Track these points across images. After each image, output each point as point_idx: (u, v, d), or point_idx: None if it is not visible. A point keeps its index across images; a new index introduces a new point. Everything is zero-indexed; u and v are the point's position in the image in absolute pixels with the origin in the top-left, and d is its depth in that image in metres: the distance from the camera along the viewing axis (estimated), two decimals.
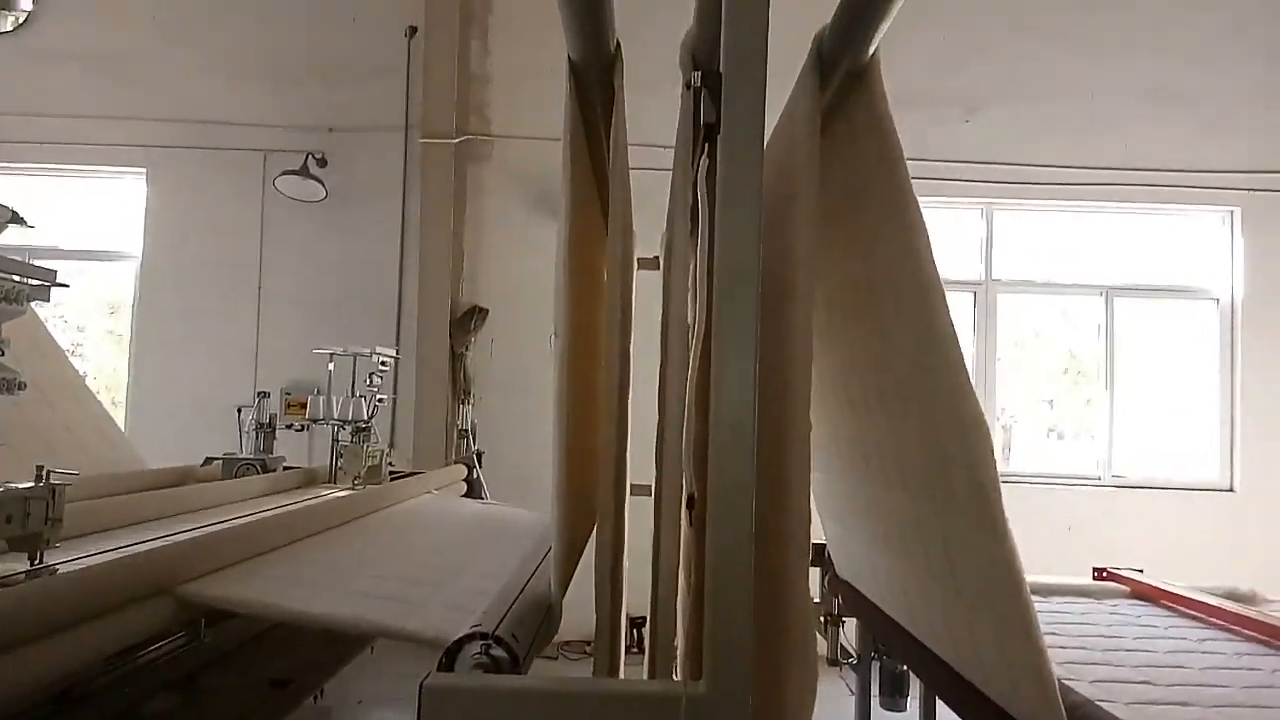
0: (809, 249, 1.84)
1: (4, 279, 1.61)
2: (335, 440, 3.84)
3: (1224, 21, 6.52)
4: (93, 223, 6.71)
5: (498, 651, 1.36)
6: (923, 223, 1.77)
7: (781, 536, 1.85)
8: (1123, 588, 3.70)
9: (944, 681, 2.53)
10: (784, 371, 1.98)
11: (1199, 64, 6.50)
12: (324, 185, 6.17)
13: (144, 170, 6.45)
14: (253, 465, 3.70)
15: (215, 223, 6.39)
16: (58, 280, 1.81)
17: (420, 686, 1.21)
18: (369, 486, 3.59)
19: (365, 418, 3.86)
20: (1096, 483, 6.62)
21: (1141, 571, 3.80)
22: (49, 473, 1.81)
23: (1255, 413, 6.44)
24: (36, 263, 2.11)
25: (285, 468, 3.88)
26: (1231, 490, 6.48)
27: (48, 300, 1.74)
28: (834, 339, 2.71)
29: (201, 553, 1.84)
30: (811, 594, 4.12)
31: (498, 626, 1.40)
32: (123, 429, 5.81)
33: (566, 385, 1.76)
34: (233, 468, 3.68)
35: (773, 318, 2.13)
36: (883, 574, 3.09)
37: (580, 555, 1.96)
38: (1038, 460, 7.12)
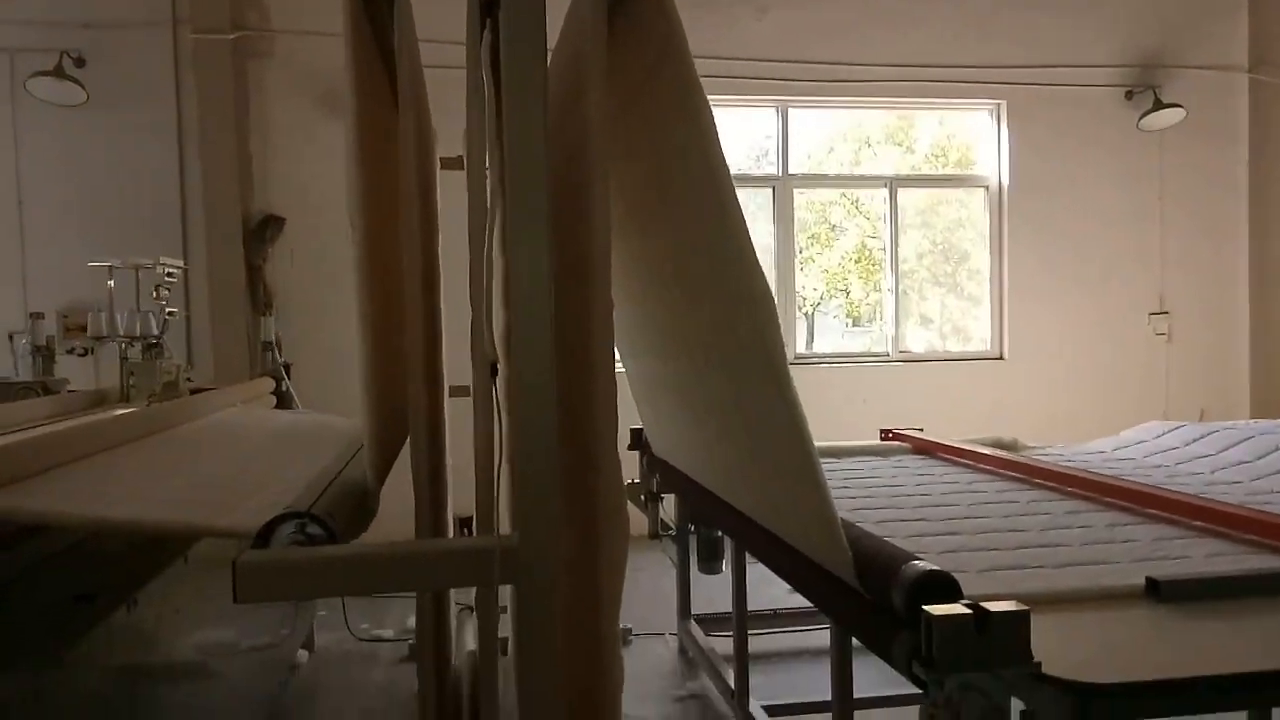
0: (601, 141, 1.89)
1: None
2: (125, 359, 3.62)
3: None
4: None
5: (314, 529, 1.37)
6: (708, 108, 1.86)
7: (590, 411, 1.94)
8: (906, 445, 4.09)
9: (752, 539, 2.75)
10: (584, 258, 2.04)
11: None
12: (84, 88, 5.61)
13: None
14: (32, 389, 3.45)
15: None
16: None
17: (233, 564, 1.22)
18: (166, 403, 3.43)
19: (155, 333, 3.64)
20: (885, 359, 7.17)
21: (922, 430, 4.21)
22: None
23: (1020, 288, 7.13)
24: None
25: (70, 391, 3.63)
26: (1002, 358, 7.19)
27: None
28: (633, 229, 2.80)
29: None
30: (625, 470, 4.32)
31: (312, 506, 1.41)
32: None
33: (367, 286, 1.76)
34: (10, 392, 3.41)
35: (570, 207, 2.18)
36: (691, 447, 3.28)
37: (396, 453, 1.97)
38: (837, 343, 7.64)
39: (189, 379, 4.05)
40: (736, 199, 1.85)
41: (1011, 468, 3.42)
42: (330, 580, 1.26)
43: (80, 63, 5.69)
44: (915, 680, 1.67)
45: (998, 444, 3.97)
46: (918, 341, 7.52)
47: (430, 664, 1.73)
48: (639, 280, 2.95)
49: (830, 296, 8.13)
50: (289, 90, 6.03)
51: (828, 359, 7.15)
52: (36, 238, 5.73)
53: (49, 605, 1.92)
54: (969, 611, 1.60)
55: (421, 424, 1.63)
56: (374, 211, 1.78)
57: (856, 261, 8.13)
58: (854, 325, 8.16)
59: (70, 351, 4.20)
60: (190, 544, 2.25)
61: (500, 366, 1.73)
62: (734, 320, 2.07)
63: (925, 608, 1.63)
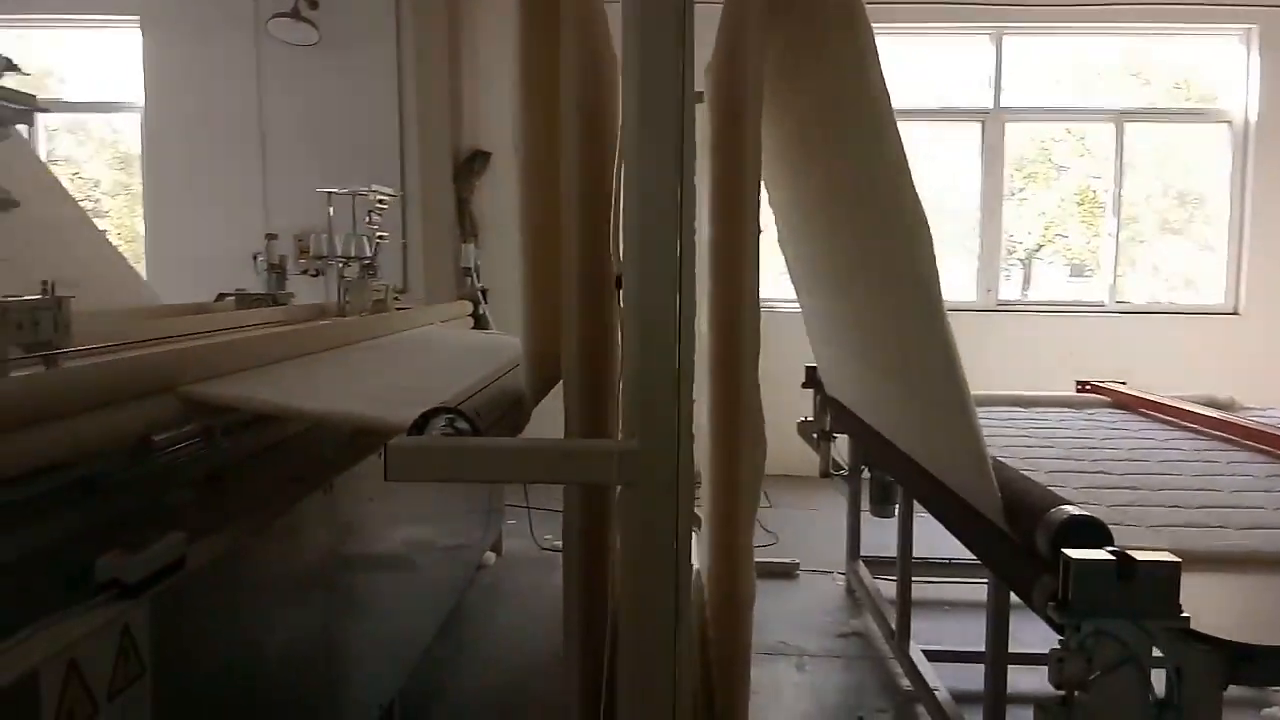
0: (756, 71, 1.90)
1: None
2: (341, 278, 3.97)
3: None
4: (98, 74, 6.71)
5: (461, 424, 1.51)
6: (869, 29, 1.83)
7: (737, 334, 1.98)
8: (1104, 399, 3.84)
9: (912, 480, 2.71)
10: (737, 185, 2.06)
11: None
12: (316, 29, 6.08)
13: (137, 18, 6.37)
14: (264, 299, 3.86)
15: (213, 70, 6.35)
16: (37, 105, 1.89)
17: (384, 447, 1.36)
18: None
19: (368, 254, 3.97)
20: (1101, 309, 6.68)
21: (1124, 384, 3.93)
22: (54, 285, 1.96)
23: (1264, 236, 6.41)
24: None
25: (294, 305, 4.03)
26: (1236, 313, 6.52)
27: (31, 124, 1.83)
28: (799, 160, 2.77)
29: (200, 357, 2.00)
30: (799, 408, 4.29)
31: (460, 404, 1.54)
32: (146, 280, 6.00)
33: (527, 211, 1.85)
34: (245, 301, 3.84)
35: (727, 137, 2.19)
36: (859, 385, 3.24)
37: (553, 371, 2.06)
38: (1054, 291, 7.16)
39: (397, 299, 4.39)
40: (895, 124, 1.82)
41: (1219, 427, 3.15)
42: (467, 466, 1.39)
43: (314, 5, 6.16)
44: (1051, 624, 1.62)
45: (1210, 402, 3.65)
46: (1140, 292, 6.94)
47: (575, 567, 1.83)
48: (807, 214, 2.92)
49: (1048, 241, 7.62)
50: (497, 30, 6.28)
51: (1037, 306, 6.74)
52: (276, 167, 6.32)
53: (262, 483, 2.19)
54: (1111, 558, 1.54)
55: (573, 341, 1.71)
56: (537, 137, 1.86)
57: (1079, 204, 7.56)
58: (1074, 275, 7.62)
59: (304, 272, 4.64)
60: (381, 440, 2.49)
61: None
62: (890, 249, 2.04)
63: (1065, 550, 1.57)
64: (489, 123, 6.35)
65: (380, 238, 4.10)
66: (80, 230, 3.62)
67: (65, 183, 6.87)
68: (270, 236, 4.47)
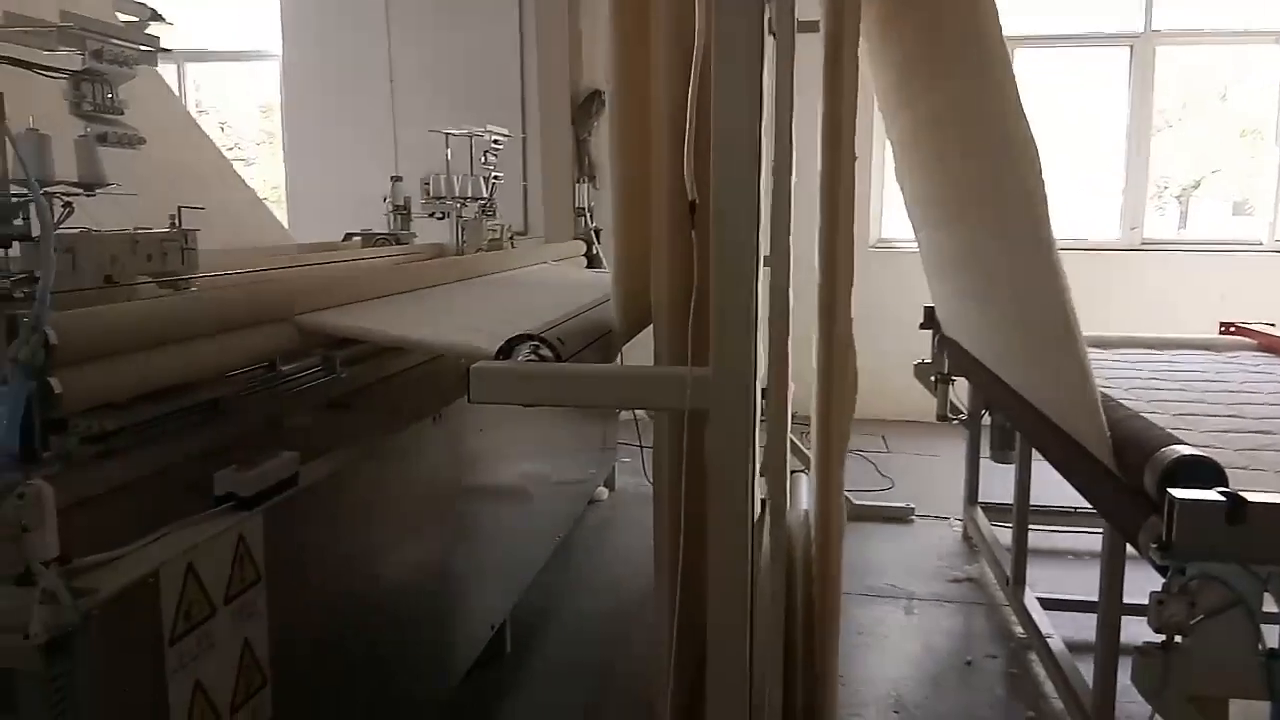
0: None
1: (112, 44, 1.81)
2: (459, 218, 4.07)
3: None
4: (239, 23, 7.03)
5: (545, 351, 1.54)
6: None
7: (832, 266, 1.93)
8: (1250, 341, 3.58)
9: (1026, 422, 2.61)
10: (834, 116, 2.00)
11: None
12: None
13: None
14: (387, 239, 4.01)
15: (344, 18, 6.54)
16: (160, 46, 2.00)
17: (468, 369, 1.41)
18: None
19: (484, 195, 4.05)
20: (1259, 248, 6.19)
21: (1273, 325, 3.65)
22: (181, 218, 2.09)
23: None
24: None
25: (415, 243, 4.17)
26: None
27: (155, 65, 1.93)
28: (911, 91, 2.66)
29: (315, 287, 2.10)
30: (917, 348, 4.18)
31: (544, 332, 1.57)
32: (285, 226, 6.33)
33: (619, 148, 1.84)
34: (370, 241, 4.00)
35: (831, 61, 2.12)
36: (975, 325, 3.12)
37: (642, 301, 2.06)
38: (1214, 230, 6.67)
39: (511, 239, 4.47)
40: (1002, 45, 1.73)
41: None
42: (543, 390, 1.42)
43: None
44: (1155, 566, 1.55)
45: None
46: None
47: (666, 502, 1.85)
48: (918, 142, 2.80)
49: (1208, 176, 7.07)
50: None
51: (1185, 246, 6.29)
52: (405, 112, 6.50)
53: (376, 410, 2.31)
54: (1221, 499, 1.45)
55: (663, 269, 1.71)
56: (629, 69, 1.85)
57: (1241, 136, 6.99)
58: (1236, 213, 7.05)
59: (431, 215, 4.77)
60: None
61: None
62: (998, 175, 1.94)
63: (1171, 490, 1.49)
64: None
65: (495, 178, 4.17)
66: (215, 171, 3.84)
67: (215, 131, 7.27)
68: (395, 179, 4.61)
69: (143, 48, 1.89)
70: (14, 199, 1.69)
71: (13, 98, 1.81)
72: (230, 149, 7.60)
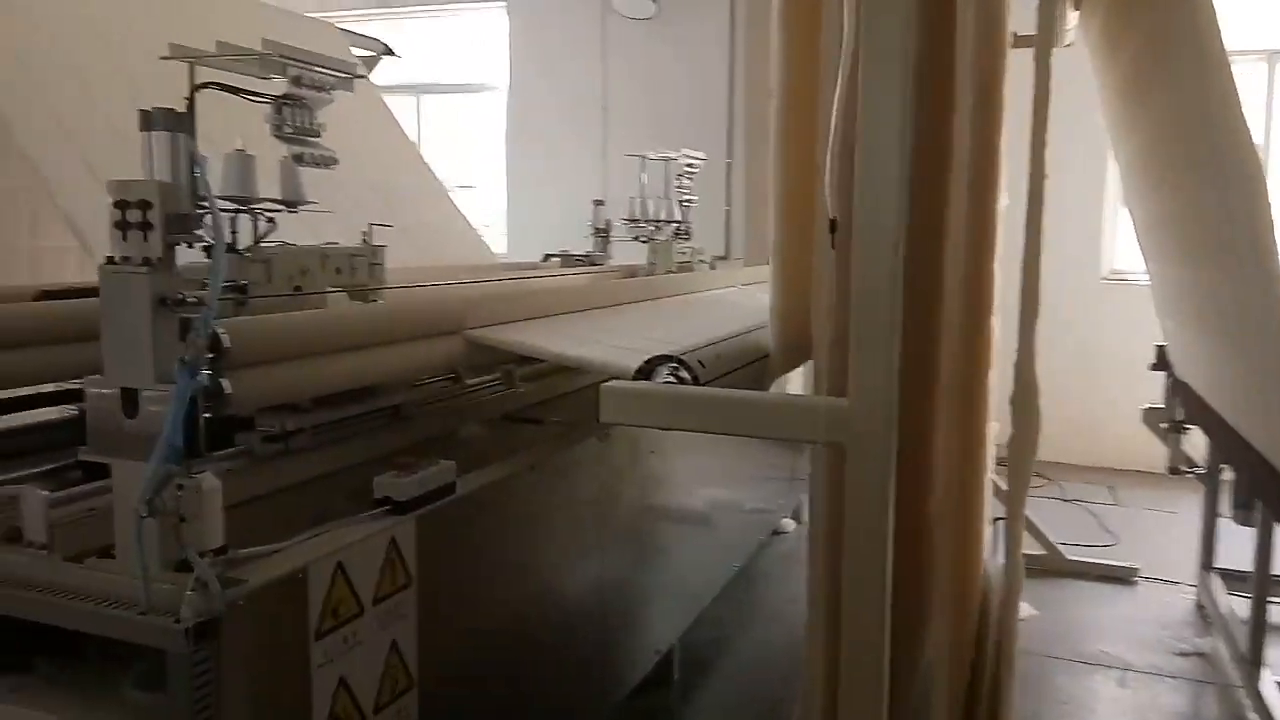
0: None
1: (313, 70, 1.95)
2: (651, 241, 4.10)
3: None
4: (461, 57, 7.52)
5: (684, 374, 1.49)
6: None
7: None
8: None
9: (1266, 479, 2.27)
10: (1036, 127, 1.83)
11: None
12: (655, 1, 6.30)
13: (504, 2, 7.00)
14: (581, 261, 4.10)
15: (565, 45, 6.82)
16: (356, 73, 2.13)
17: (599, 388, 1.38)
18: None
19: (676, 218, 4.06)
20: None
21: None
22: (370, 236, 2.22)
23: None
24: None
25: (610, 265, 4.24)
26: None
27: (350, 90, 2.06)
28: (1133, 107, 2.41)
29: (485, 304, 2.16)
30: (1146, 392, 3.79)
31: (689, 354, 1.52)
32: (491, 248, 6.69)
33: (780, 157, 1.77)
34: (566, 262, 4.11)
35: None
36: (1207, 366, 2.77)
37: (799, 325, 1.97)
38: None
39: (712, 262, 4.46)
40: (1225, 58, 1.53)
41: None
42: (671, 413, 1.37)
43: None
44: None
45: None
46: None
47: (821, 537, 1.75)
48: (1143, 162, 2.52)
49: None
50: None
51: None
52: (615, 136, 6.66)
53: (547, 424, 2.35)
54: None
55: (823, 292, 1.63)
56: (792, 84, 1.78)
57: None
58: None
59: (636, 238, 4.85)
60: None
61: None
62: (1223, 198, 1.70)
63: None
64: None
65: (688, 202, 4.17)
66: (430, 194, 4.08)
67: (440, 159, 7.78)
68: (596, 203, 4.73)
69: (339, 74, 2.01)
70: (223, 212, 1.85)
71: (224, 121, 1.99)
72: (456, 175, 8.13)
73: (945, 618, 1.83)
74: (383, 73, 5.86)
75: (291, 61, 1.93)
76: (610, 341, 2.02)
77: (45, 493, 1.48)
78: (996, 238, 1.71)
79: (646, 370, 1.50)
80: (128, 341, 1.39)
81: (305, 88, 1.97)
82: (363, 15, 7.46)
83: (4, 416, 1.85)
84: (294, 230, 2.15)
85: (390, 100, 7.40)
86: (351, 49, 4.40)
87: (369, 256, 2.18)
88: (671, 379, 1.48)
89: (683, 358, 1.48)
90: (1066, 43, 2.52)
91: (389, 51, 4.68)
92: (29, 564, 1.47)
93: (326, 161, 2.03)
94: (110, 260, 1.40)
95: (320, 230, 2.44)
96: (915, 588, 1.82)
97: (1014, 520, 1.69)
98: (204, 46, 1.78)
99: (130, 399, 1.40)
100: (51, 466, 1.75)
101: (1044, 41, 1.69)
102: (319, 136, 2.02)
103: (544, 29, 6.90)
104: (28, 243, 2.87)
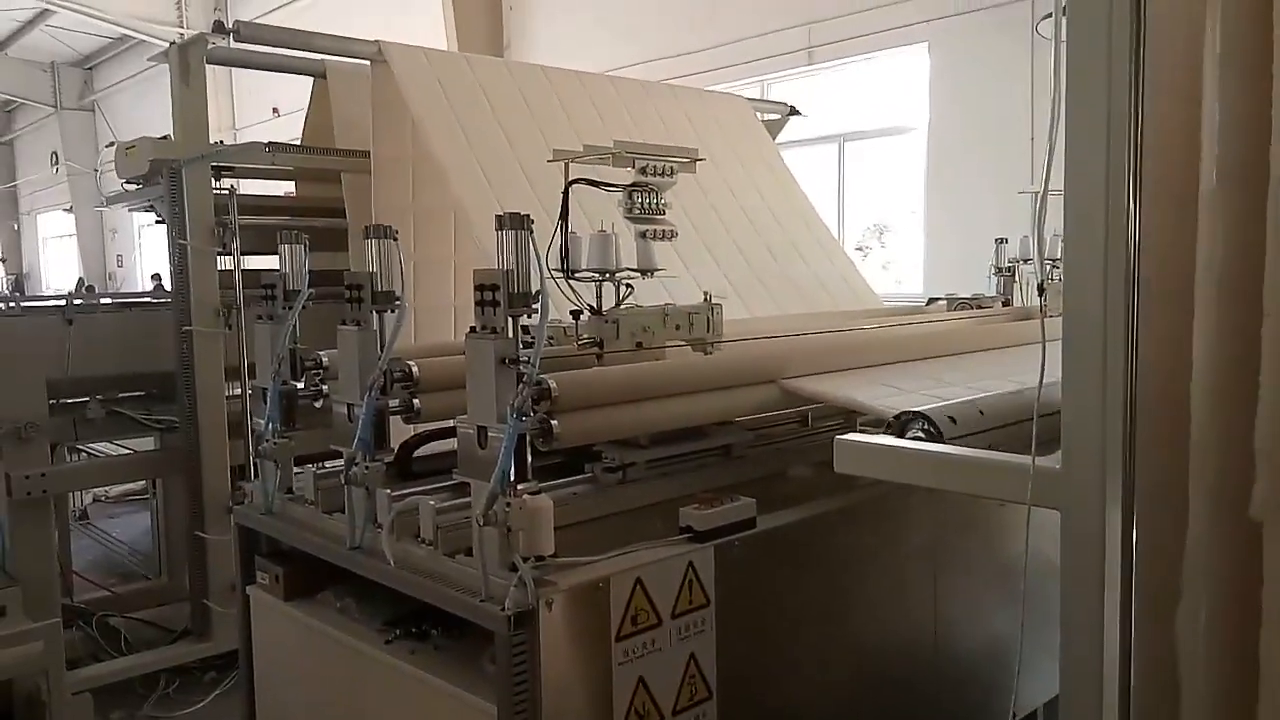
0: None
1: (654, 159, 2.31)
2: (1041, 279, 3.88)
3: None
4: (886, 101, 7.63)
5: (930, 428, 1.55)
6: None
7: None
8: None
9: None
10: None
11: None
12: None
13: (926, 42, 7.02)
14: (967, 304, 4.02)
15: (988, 81, 6.65)
16: (696, 157, 2.44)
17: (834, 440, 1.50)
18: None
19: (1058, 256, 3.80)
20: None
21: None
22: (710, 296, 2.52)
23: None
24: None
25: (1005, 303, 4.07)
26: None
27: (693, 172, 2.40)
28: None
29: (799, 356, 2.34)
30: None
31: (937, 408, 1.58)
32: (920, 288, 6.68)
33: None
34: (953, 305, 4.06)
35: None
36: None
37: None
38: None
39: None
40: None
41: None
42: (894, 466, 1.43)
43: None
44: None
45: None
46: None
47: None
48: None
49: None
50: None
51: None
52: (1040, 167, 6.31)
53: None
54: None
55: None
56: None
57: None
58: None
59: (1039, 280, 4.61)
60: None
61: None
62: None
63: None
64: None
65: None
66: (819, 245, 4.31)
67: (860, 203, 7.95)
68: (999, 241, 4.58)
69: (679, 160, 2.35)
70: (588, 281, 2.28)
71: (589, 207, 2.45)
72: (876, 217, 8.26)
73: None
74: (804, 126, 6.22)
75: (639, 155, 2.31)
76: (923, 391, 2.08)
77: (433, 502, 1.96)
78: None
79: (900, 426, 1.58)
80: (481, 390, 1.82)
81: (650, 175, 2.33)
82: (789, 74, 7.96)
83: (429, 445, 2.42)
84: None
85: (814, 150, 7.81)
86: (755, 111, 4.81)
87: (707, 313, 2.47)
88: (921, 434, 1.54)
89: (929, 413, 1.54)
90: None
91: (795, 112, 5.02)
92: (422, 556, 1.96)
93: (669, 235, 2.37)
94: (472, 330, 1.85)
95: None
96: None
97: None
98: (638, 134, 2.21)
99: (482, 434, 1.83)
100: (454, 481, 2.27)
101: None
102: (664, 214, 2.38)
103: (967, 64, 6.80)
104: (450, 301, 3.64)
